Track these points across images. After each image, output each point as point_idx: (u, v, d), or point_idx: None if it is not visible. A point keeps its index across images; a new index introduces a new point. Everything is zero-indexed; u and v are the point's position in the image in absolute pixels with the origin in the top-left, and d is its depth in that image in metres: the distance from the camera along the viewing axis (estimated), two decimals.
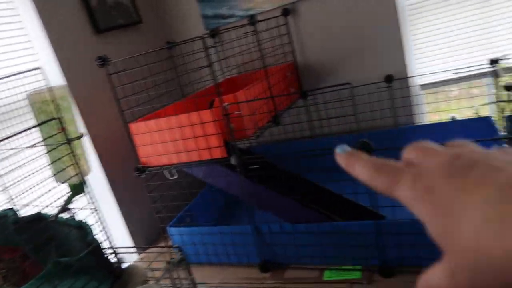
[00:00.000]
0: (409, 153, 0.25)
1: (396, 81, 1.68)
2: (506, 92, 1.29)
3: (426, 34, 1.70)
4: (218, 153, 1.24)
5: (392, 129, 1.63)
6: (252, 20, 1.35)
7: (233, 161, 1.20)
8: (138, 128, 1.31)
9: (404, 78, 1.67)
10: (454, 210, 0.20)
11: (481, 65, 1.53)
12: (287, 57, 1.76)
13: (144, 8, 1.83)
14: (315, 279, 1.19)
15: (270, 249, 1.29)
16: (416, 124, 1.74)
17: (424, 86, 1.79)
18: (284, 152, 1.77)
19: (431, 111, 1.87)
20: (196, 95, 1.62)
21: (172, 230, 1.40)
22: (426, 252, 1.10)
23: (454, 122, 1.62)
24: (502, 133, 1.40)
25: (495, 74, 1.44)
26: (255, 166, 1.19)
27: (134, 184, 1.59)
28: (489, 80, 1.68)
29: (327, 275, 1.19)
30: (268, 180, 1.28)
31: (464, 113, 1.91)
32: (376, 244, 1.14)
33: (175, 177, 1.33)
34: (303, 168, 1.46)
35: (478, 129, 1.52)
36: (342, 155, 0.27)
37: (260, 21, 1.54)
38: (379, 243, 1.13)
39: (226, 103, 1.27)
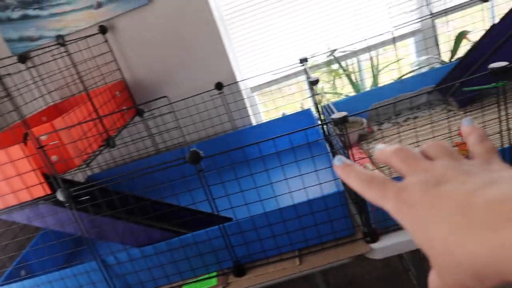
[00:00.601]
0: (398, 162, 0.28)
1: (227, 87, 1.76)
2: (314, 87, 1.47)
3: (247, 40, 1.83)
4: (40, 191, 1.10)
5: (231, 132, 1.71)
6: (60, 41, 1.24)
7: (59, 196, 1.08)
8: None
9: (234, 83, 1.77)
10: (427, 223, 0.23)
11: (294, 64, 1.72)
12: (114, 75, 1.68)
13: None
14: None
15: (122, 280, 1.21)
16: (253, 124, 1.85)
17: (254, 88, 1.93)
18: (127, 174, 1.69)
19: (269, 110, 2.03)
20: (9, 129, 1.41)
21: None
22: (270, 244, 1.18)
23: (284, 118, 1.78)
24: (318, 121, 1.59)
25: (305, 72, 1.64)
26: (86, 197, 1.09)
27: None
28: (303, 77, 1.91)
29: None
30: (107, 207, 1.19)
31: (295, 108, 2.13)
32: (225, 247, 1.17)
33: None
34: (148, 187, 1.41)
35: (301, 120, 1.71)
36: (339, 166, 0.29)
37: (71, 41, 1.43)
38: (228, 246, 1.17)
39: (42, 134, 1.13)
